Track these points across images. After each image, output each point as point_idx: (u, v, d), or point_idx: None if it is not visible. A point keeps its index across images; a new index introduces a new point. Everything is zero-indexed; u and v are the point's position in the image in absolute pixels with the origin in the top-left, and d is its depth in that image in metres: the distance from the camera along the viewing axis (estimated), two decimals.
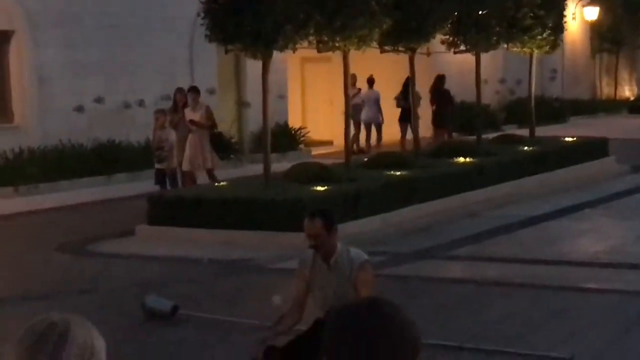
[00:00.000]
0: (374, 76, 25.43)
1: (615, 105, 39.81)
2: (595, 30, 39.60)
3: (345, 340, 2.31)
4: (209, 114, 16.80)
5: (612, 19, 39.60)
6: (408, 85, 22.31)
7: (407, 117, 21.78)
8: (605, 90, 42.11)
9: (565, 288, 10.58)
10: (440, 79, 23.92)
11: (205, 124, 16.59)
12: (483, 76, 22.87)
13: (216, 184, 15.69)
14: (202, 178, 16.91)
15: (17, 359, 2.37)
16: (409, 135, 22.03)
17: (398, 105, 24.39)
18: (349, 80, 16.33)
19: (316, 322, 6.93)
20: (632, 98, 42.62)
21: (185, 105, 16.78)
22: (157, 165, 16.51)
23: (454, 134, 25.11)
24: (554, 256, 12.28)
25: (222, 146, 17.72)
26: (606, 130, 24.77)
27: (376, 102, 25.42)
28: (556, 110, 33.40)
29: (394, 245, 12.98)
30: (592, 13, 38.38)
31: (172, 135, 16.35)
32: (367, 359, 2.29)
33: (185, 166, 16.47)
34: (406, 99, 22.36)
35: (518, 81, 33.16)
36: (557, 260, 11.98)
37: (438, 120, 23.48)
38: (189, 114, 16.56)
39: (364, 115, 25.39)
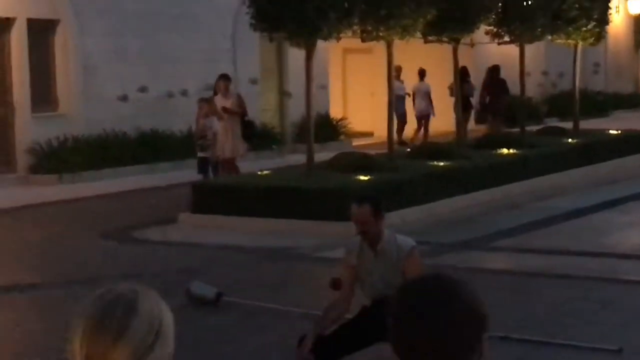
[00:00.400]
0: (418, 67, 25.28)
1: None
2: (639, 24, 39.15)
3: (412, 312, 2.24)
4: (240, 101, 16.71)
5: None
6: (465, 74, 22.94)
7: (464, 106, 21.85)
8: None
9: (612, 280, 10.43)
10: (496, 69, 24.15)
11: (237, 111, 16.49)
12: (526, 68, 22.70)
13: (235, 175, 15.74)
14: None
15: (84, 330, 2.28)
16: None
17: (452, 95, 24.23)
18: (393, 71, 16.16)
19: (363, 308, 6.86)
20: None
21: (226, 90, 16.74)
22: (200, 154, 16.49)
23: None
24: (599, 248, 12.11)
25: (254, 134, 17.52)
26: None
27: (427, 94, 25.25)
28: (599, 103, 33.05)
29: (437, 236, 12.84)
30: (636, 6, 37.92)
31: (216, 124, 16.31)
32: (433, 332, 2.22)
33: (219, 153, 16.46)
34: (462, 88, 22.39)
35: (560, 74, 32.80)
36: (603, 252, 11.81)
37: (495, 110, 23.62)
38: (221, 101, 16.47)
39: (416, 107, 25.16)
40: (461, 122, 17.87)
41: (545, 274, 10.83)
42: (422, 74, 25.14)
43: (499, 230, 13.42)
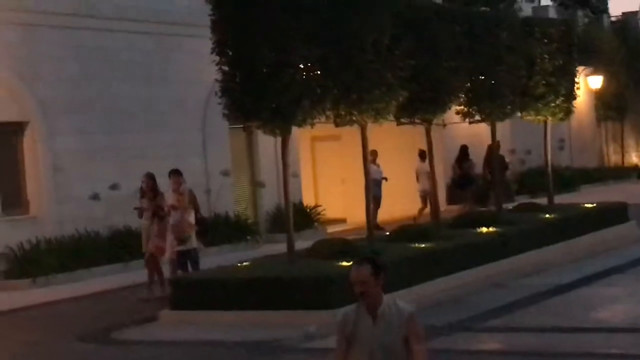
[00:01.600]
0: (390, 148, 25.18)
1: (623, 173, 39.49)
2: (600, 99, 39.46)
3: None
4: (192, 197, 15.94)
5: (615, 87, 39.50)
6: (465, 152, 24.14)
7: (465, 184, 21.86)
8: (613, 157, 41.82)
9: (612, 355, 10.07)
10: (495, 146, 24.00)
11: (187, 209, 15.60)
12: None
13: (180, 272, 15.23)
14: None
15: None
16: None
17: (455, 173, 24.26)
18: (368, 155, 15.90)
19: None
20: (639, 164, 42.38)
21: (153, 190, 16.11)
22: (177, 248, 15.97)
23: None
24: (591, 323, 11.81)
25: (206, 231, 16.58)
26: (619, 197, 24.34)
27: (427, 174, 24.95)
28: (566, 178, 33.05)
29: (425, 319, 12.31)
30: (596, 82, 38.28)
31: (192, 217, 15.88)
32: None
33: (168, 253, 15.71)
34: (463, 165, 23.34)
35: (528, 151, 32.94)
36: (599, 327, 11.49)
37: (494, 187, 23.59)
38: (170, 198, 15.69)
39: (420, 186, 24.92)
40: (437, 202, 17.59)
41: (541, 352, 10.48)
42: (422, 155, 24.51)
43: (487, 310, 13.11)
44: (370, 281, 6.15)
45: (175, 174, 15.97)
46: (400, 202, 25.96)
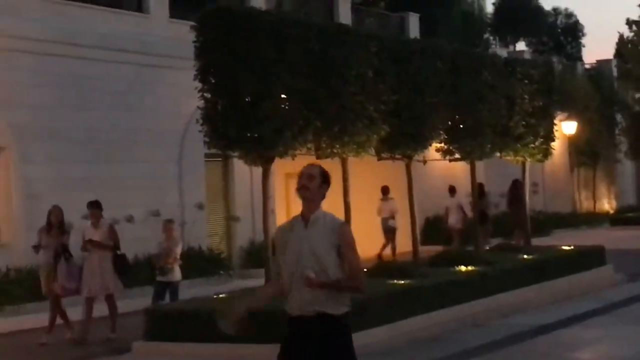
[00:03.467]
0: (370, 183, 25.10)
1: (595, 219, 39.53)
2: (573, 145, 39.53)
3: None
4: (112, 232, 14.62)
5: (589, 134, 39.64)
6: (482, 191, 24.74)
7: (484, 219, 23.33)
8: (585, 203, 41.86)
9: None
10: (517, 184, 25.22)
11: (106, 245, 14.44)
12: (465, 189, 22.43)
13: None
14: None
15: None
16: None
17: (473, 209, 24.30)
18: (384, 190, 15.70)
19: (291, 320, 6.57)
20: (611, 211, 42.47)
21: (61, 225, 14.73)
22: (159, 278, 15.44)
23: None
24: None
25: (125, 270, 14.84)
26: (593, 242, 24.22)
27: (459, 208, 25.84)
28: (540, 222, 32.96)
29: (405, 357, 12.18)
30: (570, 127, 38.37)
31: (179, 247, 15.50)
32: None
33: (85, 292, 14.48)
34: (480, 203, 23.49)
35: (502, 195, 32.79)
36: None
37: (518, 223, 24.63)
38: (89, 233, 14.56)
39: (451, 219, 25.84)
40: (417, 240, 17.34)
41: None
42: (452, 190, 26.03)
43: (466, 349, 12.84)
44: (316, 181, 6.50)
45: (94, 206, 14.84)
46: (377, 238, 25.72)
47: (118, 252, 14.68)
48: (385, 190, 25.80)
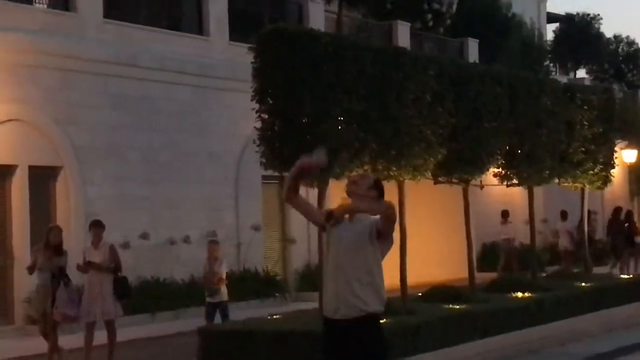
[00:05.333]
0: (426, 207, 25.05)
1: None
2: (634, 173, 39.02)
3: None
4: (113, 254, 13.75)
5: None
6: (589, 216, 25.61)
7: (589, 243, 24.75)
8: None
9: None
10: (618, 211, 28.81)
11: (108, 267, 13.61)
12: (524, 216, 22.33)
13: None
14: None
15: None
16: None
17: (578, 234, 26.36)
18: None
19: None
20: None
21: (59, 246, 13.79)
22: (208, 299, 15.49)
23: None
24: None
25: (126, 293, 13.98)
26: None
27: (569, 233, 27.68)
28: (600, 251, 32.49)
29: None
30: (631, 155, 37.86)
31: (223, 268, 15.56)
32: None
33: (85, 317, 13.70)
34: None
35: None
36: None
37: (621, 248, 27.74)
38: (90, 254, 13.74)
39: (562, 242, 27.98)
40: (473, 264, 17.18)
41: None
42: (564, 215, 28.01)
43: None
44: (366, 182, 6.98)
45: (97, 226, 14.05)
46: (432, 264, 25.54)
47: (119, 275, 13.79)
48: (504, 214, 27.04)
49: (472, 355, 13.55)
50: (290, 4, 25.49)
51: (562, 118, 18.63)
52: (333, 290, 6.78)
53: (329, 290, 6.84)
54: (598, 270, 24.56)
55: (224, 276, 15.44)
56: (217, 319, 15.39)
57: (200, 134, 21.78)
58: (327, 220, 6.92)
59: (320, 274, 13.46)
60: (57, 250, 13.64)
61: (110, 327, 13.85)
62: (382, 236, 6.77)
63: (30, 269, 13.74)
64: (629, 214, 30.00)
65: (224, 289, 15.42)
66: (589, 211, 28.10)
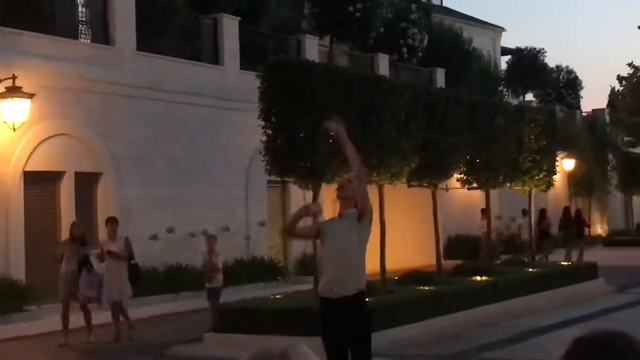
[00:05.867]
0: (401, 206, 24.97)
1: (591, 240, 38.79)
2: (572, 179, 39.06)
3: None
4: (127, 245, 13.56)
5: (585, 170, 39.11)
6: (544, 214, 28.37)
7: (544, 237, 26.96)
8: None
9: None
10: (568, 209, 29.40)
11: (123, 255, 13.42)
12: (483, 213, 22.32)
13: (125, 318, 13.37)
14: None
15: None
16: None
17: (538, 229, 26.96)
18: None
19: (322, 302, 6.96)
20: (603, 235, 41.82)
21: (82, 238, 13.56)
22: (207, 285, 14.52)
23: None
24: None
25: (138, 278, 13.82)
26: (588, 259, 23.84)
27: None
28: (555, 243, 32.53)
29: (431, 350, 12.05)
30: (569, 164, 37.90)
31: (219, 259, 14.58)
32: None
33: (107, 298, 13.45)
34: (542, 223, 27.54)
35: (512, 218, 32.42)
36: None
37: (568, 240, 28.25)
38: (108, 244, 13.53)
39: (523, 235, 27.54)
40: (440, 253, 17.17)
41: None
42: (524, 212, 27.31)
43: (482, 344, 12.64)
44: (351, 186, 7.04)
45: (112, 221, 13.81)
46: (406, 252, 25.49)
47: (132, 262, 13.61)
48: (483, 211, 26.43)
49: (441, 327, 13.52)
50: (291, 39, 25.49)
51: (513, 133, 18.65)
52: (331, 274, 6.76)
53: (328, 275, 6.82)
54: (553, 258, 24.82)
55: (220, 266, 14.53)
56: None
57: (216, 146, 21.75)
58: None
59: (315, 262, 13.50)
60: (82, 241, 13.40)
61: (119, 307, 13.51)
62: (362, 215, 6.82)
63: (57, 259, 13.41)
64: (579, 212, 30.13)
65: (219, 277, 14.47)
66: (544, 210, 28.51)
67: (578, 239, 28.67)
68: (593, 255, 30.07)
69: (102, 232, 19.04)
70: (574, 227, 28.86)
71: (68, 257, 13.22)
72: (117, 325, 13.63)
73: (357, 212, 6.80)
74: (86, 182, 18.97)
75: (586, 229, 29.99)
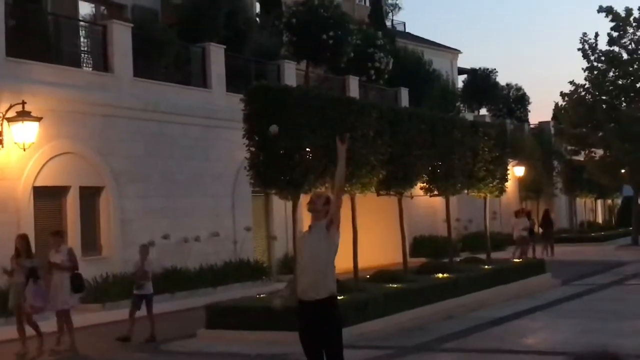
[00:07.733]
0: (371, 212, 25.02)
1: (539, 238, 39.07)
2: (522, 183, 39.33)
3: None
4: (71, 256, 12.48)
5: (533, 175, 39.40)
6: (529, 215, 29.06)
7: (530, 233, 27.18)
8: None
9: None
10: (547, 212, 31.62)
11: (66, 266, 12.30)
12: (444, 216, 22.44)
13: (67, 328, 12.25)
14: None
15: None
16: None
17: (524, 229, 27.07)
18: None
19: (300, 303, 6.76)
20: None
21: (28, 250, 12.43)
22: (135, 292, 13.59)
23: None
24: (524, 347, 11.40)
25: (80, 287, 12.49)
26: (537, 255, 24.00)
27: (524, 229, 27.15)
28: (497, 241, 32.68)
29: (397, 341, 12.08)
30: (520, 171, 38.15)
31: (151, 267, 13.86)
32: None
33: (51, 308, 12.43)
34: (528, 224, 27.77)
35: (470, 220, 32.64)
36: (528, 350, 11.08)
37: (547, 239, 30.41)
38: (52, 256, 12.45)
39: (515, 234, 27.23)
40: (406, 254, 17.22)
41: None
42: (516, 214, 28.55)
43: (444, 335, 12.68)
44: (320, 200, 6.77)
45: (55, 235, 12.86)
46: (376, 253, 25.55)
47: (76, 272, 12.43)
48: (517, 213, 28.04)
49: (407, 320, 13.59)
50: (271, 64, 25.51)
51: (469, 146, 18.77)
52: (307, 279, 6.74)
53: (304, 280, 6.79)
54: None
55: (150, 274, 13.59)
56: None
57: (206, 161, 21.71)
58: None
59: (295, 266, 13.50)
60: (27, 253, 12.36)
61: (66, 316, 12.44)
62: (331, 224, 6.69)
63: (8, 273, 12.57)
64: (547, 212, 31.97)
65: (149, 285, 13.51)
66: (529, 212, 29.22)
67: (548, 236, 30.62)
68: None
69: (104, 241, 19.04)
70: (551, 226, 30.47)
71: (16, 270, 12.29)
72: (62, 334, 12.57)
73: (326, 222, 6.74)
74: (89, 195, 18.87)
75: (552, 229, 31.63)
